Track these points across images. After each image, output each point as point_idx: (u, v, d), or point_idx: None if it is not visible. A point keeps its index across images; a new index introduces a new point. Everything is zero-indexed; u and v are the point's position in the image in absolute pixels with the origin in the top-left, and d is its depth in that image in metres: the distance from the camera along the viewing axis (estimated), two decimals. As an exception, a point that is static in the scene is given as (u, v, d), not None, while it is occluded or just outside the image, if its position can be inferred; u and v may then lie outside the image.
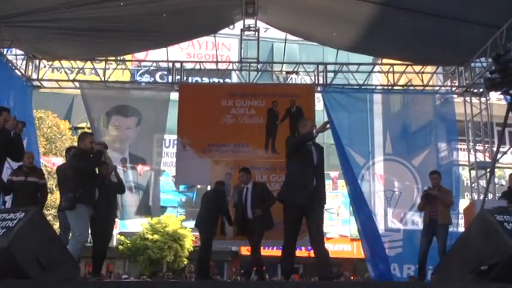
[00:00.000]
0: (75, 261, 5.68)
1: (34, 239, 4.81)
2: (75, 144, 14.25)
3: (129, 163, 12.23)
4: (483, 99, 12.51)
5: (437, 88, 12.93)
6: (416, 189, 11.89)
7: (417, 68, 12.67)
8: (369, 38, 11.37)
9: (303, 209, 6.86)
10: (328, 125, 7.28)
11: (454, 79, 12.91)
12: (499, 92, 6.93)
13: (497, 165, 12.47)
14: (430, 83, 12.76)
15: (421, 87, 12.71)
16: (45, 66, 12.69)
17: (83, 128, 21.17)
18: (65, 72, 12.70)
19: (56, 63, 12.79)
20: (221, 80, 13.39)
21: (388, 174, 12.13)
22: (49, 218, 14.68)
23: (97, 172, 7.94)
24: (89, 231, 7.78)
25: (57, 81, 13.13)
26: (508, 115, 5.67)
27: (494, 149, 11.74)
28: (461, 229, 10.35)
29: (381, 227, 11.80)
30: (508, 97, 6.52)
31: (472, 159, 12.28)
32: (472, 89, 12.46)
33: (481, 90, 12.38)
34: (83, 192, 7.19)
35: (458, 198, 11.78)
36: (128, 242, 19.82)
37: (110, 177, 9.05)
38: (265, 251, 18.89)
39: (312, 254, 6.95)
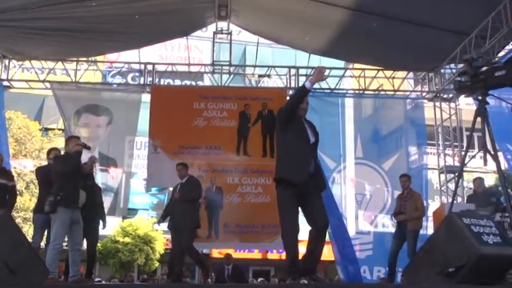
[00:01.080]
0: (44, 265, 5.61)
1: (2, 242, 4.74)
2: (46, 145, 14.10)
3: (99, 165, 12.13)
4: (452, 105, 12.73)
5: (407, 93, 13.12)
6: (387, 192, 12.04)
7: (388, 73, 12.80)
8: (341, 42, 11.46)
9: (300, 193, 5.57)
10: (325, 72, 6.04)
11: (424, 84, 13.10)
12: (465, 96, 7.00)
13: (466, 169, 12.68)
14: (401, 88, 12.93)
15: (392, 92, 12.85)
16: (15, 67, 12.49)
17: (53, 129, 20.95)
18: (36, 72, 12.55)
19: (27, 63, 12.62)
20: (193, 83, 13.36)
21: (359, 177, 12.24)
22: (18, 220, 14.49)
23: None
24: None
25: (27, 81, 12.94)
26: (476, 120, 5.77)
27: (463, 153, 11.97)
28: (431, 231, 10.49)
29: (351, 230, 11.90)
30: (477, 102, 6.63)
31: (442, 163, 12.48)
32: (441, 95, 12.66)
33: (451, 95, 12.60)
34: (63, 195, 7.14)
35: (427, 201, 11.95)
36: (99, 244, 19.63)
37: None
38: (236, 254, 19.00)
39: (284, 257, 6.38)
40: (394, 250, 9.27)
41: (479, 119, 6.01)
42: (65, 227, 7.13)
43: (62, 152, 8.18)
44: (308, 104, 5.89)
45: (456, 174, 11.32)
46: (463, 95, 6.28)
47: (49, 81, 12.55)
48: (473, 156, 6.34)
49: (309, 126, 5.87)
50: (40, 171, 8.65)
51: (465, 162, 6.19)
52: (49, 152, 8.78)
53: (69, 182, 7.26)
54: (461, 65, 11.44)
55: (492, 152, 5.50)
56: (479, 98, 5.49)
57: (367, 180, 12.15)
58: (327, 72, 12.36)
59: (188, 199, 9.08)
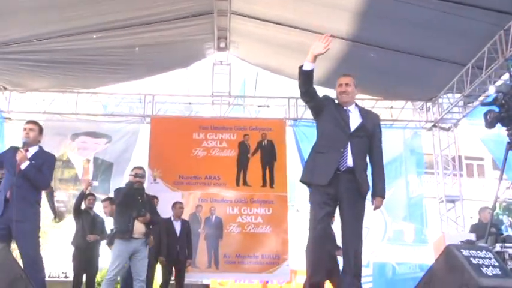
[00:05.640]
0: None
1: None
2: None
3: (93, 171, 12.24)
4: (451, 134, 12.77)
5: (406, 123, 13.13)
6: (384, 220, 11.96)
7: (386, 103, 12.87)
8: (339, 73, 11.44)
9: (334, 197, 4.73)
10: (327, 40, 4.75)
11: (422, 113, 13.14)
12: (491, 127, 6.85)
13: (465, 198, 12.66)
14: (400, 118, 12.95)
15: (391, 122, 12.90)
16: (15, 99, 12.53)
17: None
18: (36, 103, 12.56)
19: (27, 95, 12.63)
20: (193, 113, 13.38)
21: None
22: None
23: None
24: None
25: (28, 113, 12.80)
26: (508, 153, 5.79)
27: (462, 181, 11.97)
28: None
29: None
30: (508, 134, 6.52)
31: (441, 192, 12.46)
32: (440, 124, 12.70)
33: (449, 125, 12.65)
34: (118, 227, 7.21)
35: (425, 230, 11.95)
36: (98, 276, 19.39)
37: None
38: (236, 285, 18.81)
39: None
40: None
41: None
42: (120, 258, 7.06)
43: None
44: (349, 84, 5.07)
45: (492, 205, 11.27)
46: (494, 126, 6.19)
47: (49, 113, 12.54)
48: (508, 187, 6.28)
49: (357, 113, 5.00)
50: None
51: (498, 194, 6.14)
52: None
53: (123, 214, 7.23)
54: (458, 95, 11.55)
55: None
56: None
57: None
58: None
59: None
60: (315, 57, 4.81)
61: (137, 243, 7.16)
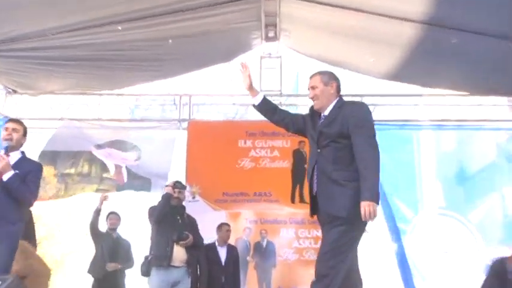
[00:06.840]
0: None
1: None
2: (62, 194, 14.41)
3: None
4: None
5: (499, 123, 12.95)
6: (476, 250, 11.73)
7: (474, 99, 12.72)
8: (413, 64, 11.39)
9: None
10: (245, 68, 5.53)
11: (519, 111, 12.93)
12: None
13: None
14: (491, 117, 12.77)
15: (480, 123, 12.74)
16: (26, 103, 12.78)
17: (71, 174, 21.20)
18: (51, 108, 12.82)
19: (41, 97, 12.84)
20: (238, 116, 13.46)
21: (441, 231, 11.93)
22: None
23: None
24: None
25: (41, 119, 13.02)
26: None
27: None
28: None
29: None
30: None
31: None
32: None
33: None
34: (155, 253, 7.19)
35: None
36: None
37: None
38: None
39: None
40: None
41: None
42: None
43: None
44: (316, 87, 5.13)
45: None
46: None
47: (67, 119, 12.76)
48: None
49: (328, 123, 5.03)
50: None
51: None
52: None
53: (160, 236, 7.22)
54: None
55: None
56: None
57: (450, 236, 11.83)
58: (397, 100, 12.44)
59: None
60: (251, 89, 5.56)
61: (178, 273, 7.19)
